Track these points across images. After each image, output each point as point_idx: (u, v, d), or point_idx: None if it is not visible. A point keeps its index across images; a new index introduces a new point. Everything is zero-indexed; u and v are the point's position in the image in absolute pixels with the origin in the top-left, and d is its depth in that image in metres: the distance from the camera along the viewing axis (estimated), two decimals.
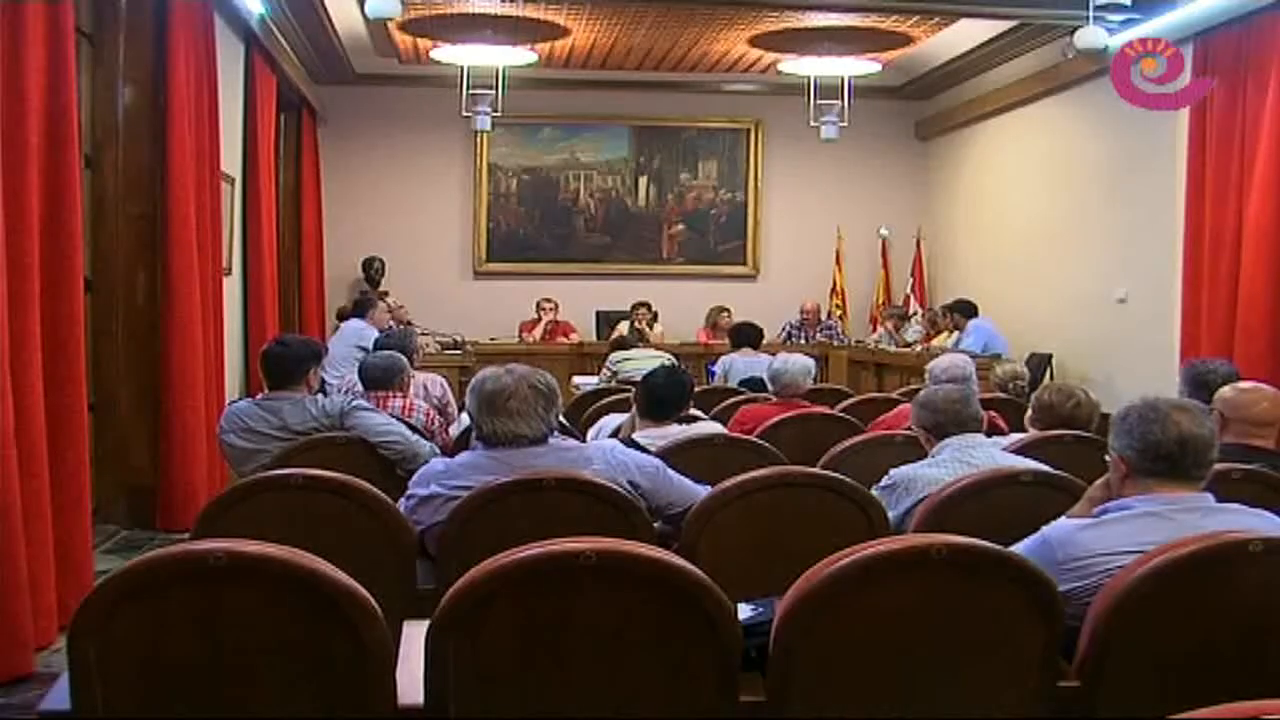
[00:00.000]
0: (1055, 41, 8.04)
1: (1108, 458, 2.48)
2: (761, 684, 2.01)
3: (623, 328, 9.67)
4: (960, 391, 3.53)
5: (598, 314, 10.56)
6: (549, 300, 10.22)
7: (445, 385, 5.86)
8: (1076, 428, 3.89)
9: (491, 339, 9.86)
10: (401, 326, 7.92)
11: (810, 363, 5.25)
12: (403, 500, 3.01)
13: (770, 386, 5.31)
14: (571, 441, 3.20)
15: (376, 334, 7.05)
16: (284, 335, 4.87)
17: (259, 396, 4.25)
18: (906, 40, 9.00)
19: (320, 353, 4.43)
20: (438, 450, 4.08)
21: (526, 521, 2.61)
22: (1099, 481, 2.55)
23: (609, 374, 7.62)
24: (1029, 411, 4.10)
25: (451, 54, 9.25)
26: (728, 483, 2.91)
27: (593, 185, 11.07)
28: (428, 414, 4.64)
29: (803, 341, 10.10)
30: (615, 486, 2.87)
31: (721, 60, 10.07)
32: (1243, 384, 3.67)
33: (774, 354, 5.80)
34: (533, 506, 2.77)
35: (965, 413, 3.38)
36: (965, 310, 8.76)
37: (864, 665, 2.02)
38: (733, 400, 5.47)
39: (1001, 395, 5.54)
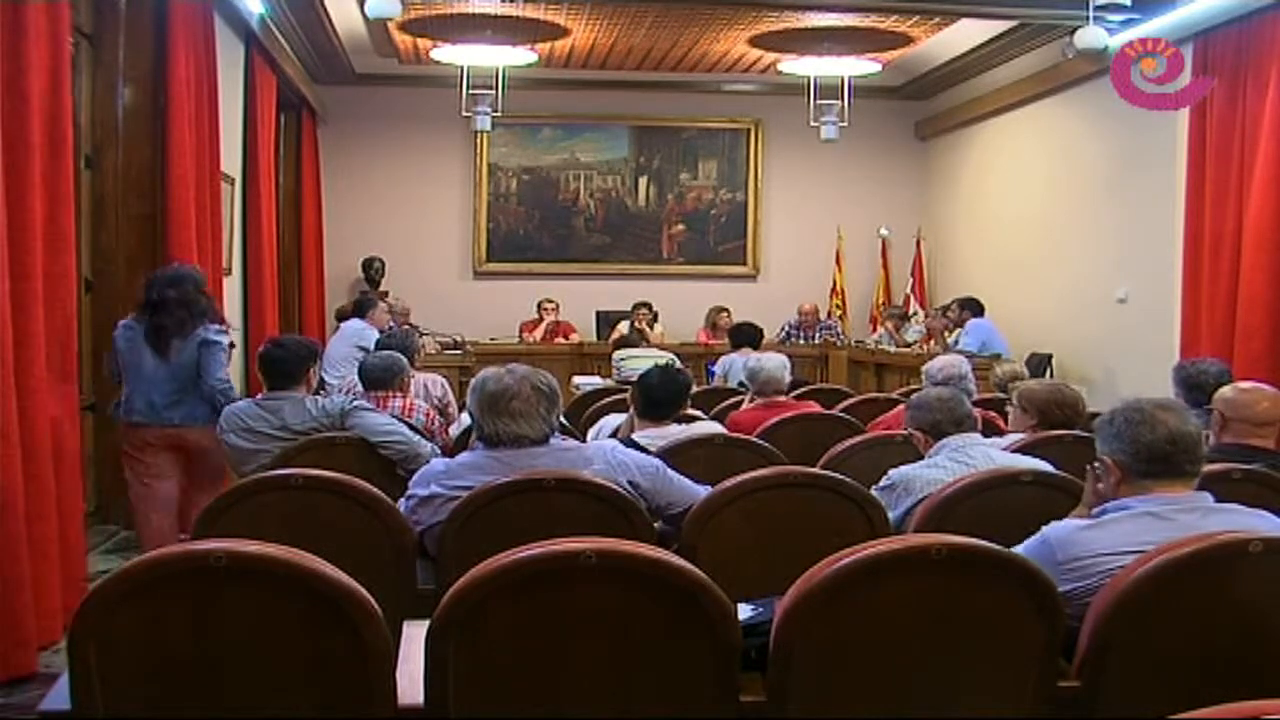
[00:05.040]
0: (1055, 41, 8.04)
1: (1096, 464, 2.47)
2: (761, 684, 2.01)
3: (623, 328, 9.67)
4: (951, 391, 3.56)
5: (598, 314, 10.56)
6: (551, 301, 10.22)
7: (446, 385, 5.87)
8: (1074, 423, 3.90)
9: (491, 339, 9.87)
10: (403, 327, 7.92)
11: (784, 358, 5.22)
12: (403, 500, 3.01)
13: (750, 387, 5.24)
14: (572, 442, 3.20)
15: (376, 334, 7.05)
16: (280, 336, 4.87)
17: (259, 396, 4.25)
18: (906, 40, 9.00)
19: (317, 351, 4.45)
20: (438, 450, 4.08)
21: (526, 521, 2.61)
22: (1086, 489, 2.55)
23: (617, 371, 7.64)
24: (1015, 413, 4.10)
25: (451, 54, 9.25)
26: (728, 483, 2.91)
27: (593, 185, 11.07)
28: (428, 414, 4.64)
29: (801, 342, 10.10)
30: (615, 486, 2.87)
31: (721, 60, 10.07)
32: (1242, 384, 3.67)
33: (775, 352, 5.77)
34: (533, 506, 2.77)
35: (960, 411, 3.40)
36: (973, 307, 8.73)
37: (864, 665, 2.02)
38: (732, 400, 5.47)
39: (1001, 395, 5.54)
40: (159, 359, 4.39)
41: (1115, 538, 2.26)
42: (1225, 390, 3.62)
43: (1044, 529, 2.36)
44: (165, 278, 4.50)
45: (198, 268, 4.77)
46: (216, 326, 4.50)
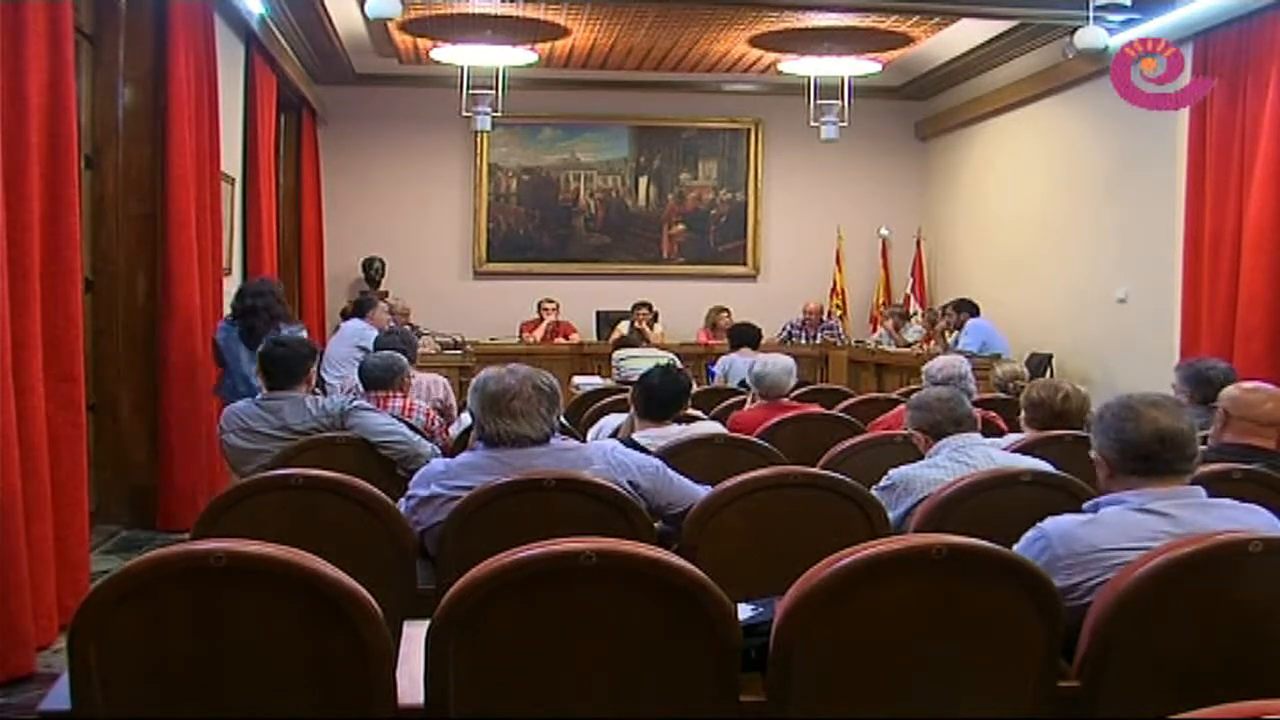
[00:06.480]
0: (1055, 41, 8.04)
1: (1092, 455, 2.48)
2: (761, 684, 2.01)
3: (623, 328, 9.67)
4: (950, 391, 3.55)
5: (598, 314, 10.56)
6: (551, 301, 10.22)
7: (448, 388, 5.85)
8: (1068, 422, 3.90)
9: (491, 339, 9.86)
10: (403, 327, 7.91)
11: (791, 362, 5.19)
12: (403, 500, 3.01)
13: (755, 388, 5.23)
14: (572, 442, 3.20)
15: (376, 334, 7.05)
16: (282, 335, 4.90)
17: (259, 396, 4.24)
18: (906, 40, 9.00)
19: (317, 350, 4.46)
20: (438, 450, 4.08)
21: (526, 521, 2.61)
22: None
23: (617, 371, 7.65)
24: (1022, 413, 4.10)
25: (451, 54, 9.25)
26: (728, 483, 2.91)
27: (593, 185, 11.07)
28: (428, 414, 4.64)
29: (803, 342, 10.10)
30: (615, 486, 2.87)
31: (721, 60, 10.07)
32: (1247, 383, 3.68)
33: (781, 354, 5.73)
34: (533, 506, 2.77)
35: (960, 411, 3.40)
36: (969, 308, 8.74)
37: (864, 665, 2.02)
38: (733, 400, 5.47)
39: (1001, 395, 5.54)
40: (251, 352, 5.29)
41: (1114, 532, 2.26)
42: (1231, 388, 3.63)
43: (1040, 524, 2.36)
44: (251, 290, 5.76)
45: (276, 281, 6.22)
46: (293, 327, 5.58)
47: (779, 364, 5.06)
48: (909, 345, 9.37)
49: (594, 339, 10.26)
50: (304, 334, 5.43)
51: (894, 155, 11.11)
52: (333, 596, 1.87)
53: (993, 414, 4.68)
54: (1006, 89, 9.33)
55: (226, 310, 6.56)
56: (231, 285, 7.05)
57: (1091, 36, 6.93)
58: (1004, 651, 2.06)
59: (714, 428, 4.27)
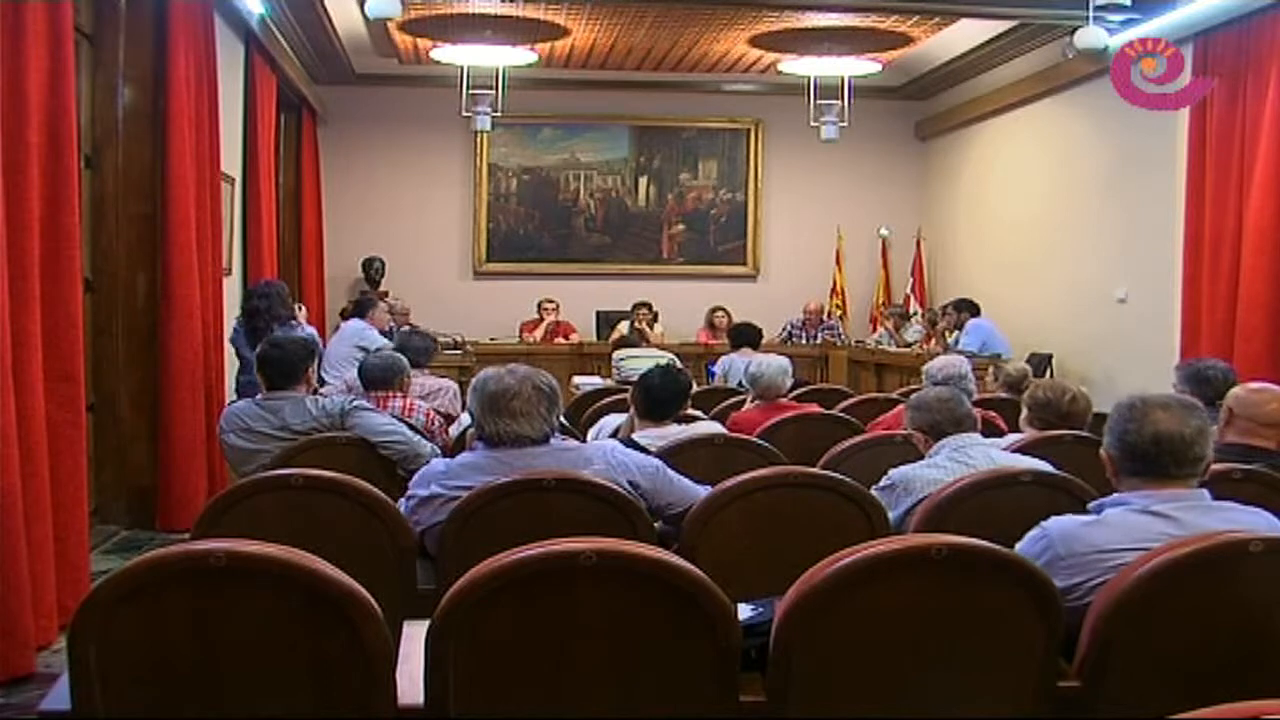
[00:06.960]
0: (1055, 41, 8.04)
1: (1101, 453, 2.48)
2: (761, 684, 2.01)
3: (623, 328, 9.67)
4: (950, 391, 3.55)
5: (598, 314, 10.57)
6: (551, 301, 10.23)
7: (456, 396, 5.85)
8: (1074, 423, 3.90)
9: (491, 339, 9.87)
10: (403, 328, 7.90)
11: (786, 362, 5.18)
12: (403, 501, 3.01)
13: (751, 389, 5.22)
14: (572, 442, 3.20)
15: (377, 334, 7.05)
16: (277, 336, 4.90)
17: (259, 396, 4.24)
18: (906, 40, 9.00)
19: (315, 350, 4.45)
20: (439, 450, 4.08)
21: (526, 521, 2.61)
22: None
23: (617, 371, 7.65)
24: (1024, 411, 4.10)
25: (451, 54, 9.26)
26: (728, 483, 2.91)
27: (593, 185, 11.08)
28: (428, 414, 4.64)
29: (804, 342, 10.11)
30: (615, 486, 2.87)
31: (721, 60, 10.07)
32: (1254, 383, 3.71)
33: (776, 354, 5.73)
34: (533, 506, 2.76)
35: (960, 411, 3.40)
36: (969, 308, 8.74)
37: (864, 665, 2.02)
38: (733, 400, 5.47)
39: (1003, 395, 5.54)
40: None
41: (1116, 533, 2.26)
42: (1238, 388, 3.67)
43: (1044, 523, 2.36)
44: (257, 291, 5.99)
45: (281, 283, 6.29)
46: (287, 327, 5.61)
47: (774, 364, 5.06)
48: (909, 345, 9.38)
49: (594, 339, 10.26)
50: (300, 333, 5.38)
51: (894, 155, 11.11)
52: (333, 596, 1.87)
53: (993, 414, 4.68)
54: (1006, 89, 9.33)
55: (227, 310, 6.60)
56: (232, 285, 7.06)
57: (1091, 36, 6.93)
58: (1004, 651, 2.06)
59: (714, 428, 4.27)
